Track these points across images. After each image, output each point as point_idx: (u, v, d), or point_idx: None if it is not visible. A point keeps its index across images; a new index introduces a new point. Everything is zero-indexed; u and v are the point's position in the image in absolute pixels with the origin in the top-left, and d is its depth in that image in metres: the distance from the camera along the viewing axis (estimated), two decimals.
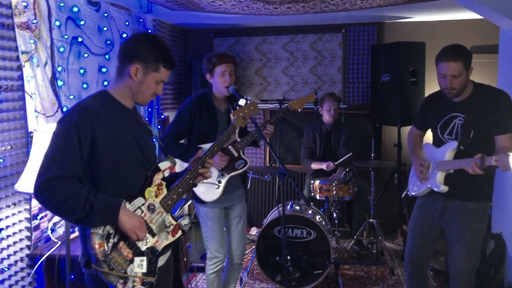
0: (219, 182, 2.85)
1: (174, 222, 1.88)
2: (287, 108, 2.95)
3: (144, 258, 1.75)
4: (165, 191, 1.87)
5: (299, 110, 2.99)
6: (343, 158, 4.20)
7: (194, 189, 2.81)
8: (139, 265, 1.73)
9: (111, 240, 1.68)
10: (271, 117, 2.92)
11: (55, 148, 1.65)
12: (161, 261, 1.86)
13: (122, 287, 1.67)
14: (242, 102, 2.31)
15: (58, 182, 1.58)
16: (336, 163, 4.24)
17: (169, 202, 1.86)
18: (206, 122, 2.88)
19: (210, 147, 2.09)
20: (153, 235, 1.80)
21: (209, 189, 2.84)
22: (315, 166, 4.42)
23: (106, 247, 1.65)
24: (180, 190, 1.90)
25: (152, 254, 1.78)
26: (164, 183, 1.87)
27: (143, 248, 1.76)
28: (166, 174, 1.88)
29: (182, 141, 3.02)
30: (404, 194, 3.98)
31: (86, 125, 1.66)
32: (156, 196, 1.83)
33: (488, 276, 3.34)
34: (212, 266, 2.97)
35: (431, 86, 4.48)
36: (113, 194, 1.71)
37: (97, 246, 1.63)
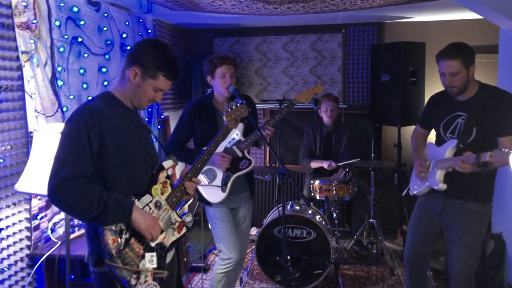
0: (225, 183, 2.84)
1: (179, 219, 1.94)
2: (292, 103, 2.94)
3: (154, 253, 1.80)
4: (169, 189, 1.93)
5: (306, 103, 3.01)
6: (349, 162, 4.18)
7: (201, 191, 2.85)
8: (150, 261, 1.78)
9: (124, 236, 1.72)
10: (270, 118, 2.92)
11: (66, 148, 1.68)
12: (168, 257, 1.90)
13: (135, 282, 1.71)
14: (233, 104, 2.33)
15: (71, 183, 1.61)
16: (339, 164, 4.24)
17: (174, 200, 1.92)
18: (206, 124, 2.88)
19: (207, 147, 2.14)
20: (161, 231, 1.84)
21: (214, 191, 2.85)
22: (314, 164, 4.41)
23: (119, 242, 1.69)
24: (183, 188, 1.96)
25: (161, 249, 1.83)
26: (168, 181, 1.93)
27: (153, 244, 1.81)
28: (170, 172, 1.94)
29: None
30: (405, 192, 3.97)
31: (95, 124, 1.70)
32: (162, 193, 1.89)
33: (488, 276, 3.34)
34: (223, 266, 2.92)
35: (431, 86, 4.48)
36: (120, 191, 1.75)
37: (111, 242, 1.67)
